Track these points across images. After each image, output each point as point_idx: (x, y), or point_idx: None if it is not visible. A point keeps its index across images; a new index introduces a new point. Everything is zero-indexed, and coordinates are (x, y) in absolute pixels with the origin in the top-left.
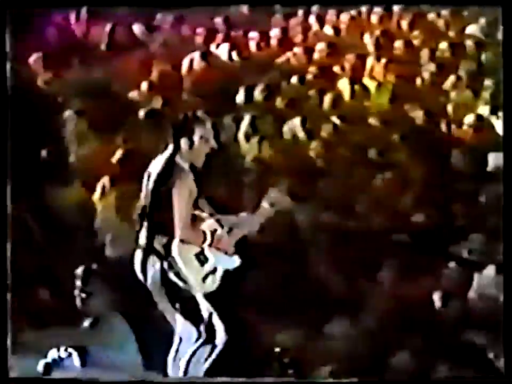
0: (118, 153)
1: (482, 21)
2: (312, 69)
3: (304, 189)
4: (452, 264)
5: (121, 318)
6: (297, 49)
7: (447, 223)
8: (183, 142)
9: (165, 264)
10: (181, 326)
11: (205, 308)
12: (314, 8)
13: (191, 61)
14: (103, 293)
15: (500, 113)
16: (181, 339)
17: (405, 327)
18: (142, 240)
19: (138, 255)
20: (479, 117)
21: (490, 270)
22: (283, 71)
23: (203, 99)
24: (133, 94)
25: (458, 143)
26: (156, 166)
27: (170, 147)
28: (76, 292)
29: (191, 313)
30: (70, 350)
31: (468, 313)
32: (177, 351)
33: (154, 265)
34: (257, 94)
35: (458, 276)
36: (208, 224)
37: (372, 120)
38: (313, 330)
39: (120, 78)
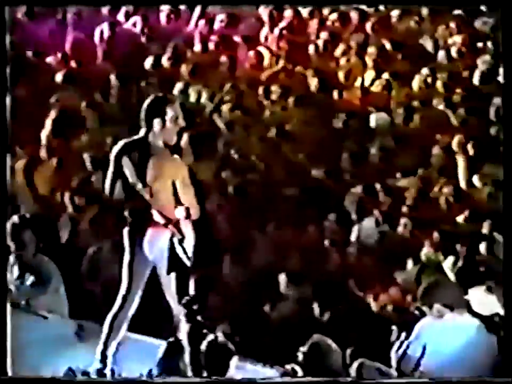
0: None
1: None
2: (214, 37)
3: (205, 148)
4: (333, 217)
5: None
6: (202, 21)
7: (335, 179)
8: (156, 123)
9: (175, 239)
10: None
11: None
12: None
13: (102, 31)
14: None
15: (385, 76)
16: (125, 300)
17: (291, 275)
18: (126, 213)
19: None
20: (366, 82)
21: (369, 222)
22: (188, 40)
23: (115, 65)
24: (50, 59)
25: (348, 105)
26: (128, 147)
27: (143, 129)
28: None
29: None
30: None
31: (348, 261)
32: (120, 309)
33: (157, 238)
34: (164, 61)
35: (340, 227)
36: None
37: (270, 86)
38: (209, 278)
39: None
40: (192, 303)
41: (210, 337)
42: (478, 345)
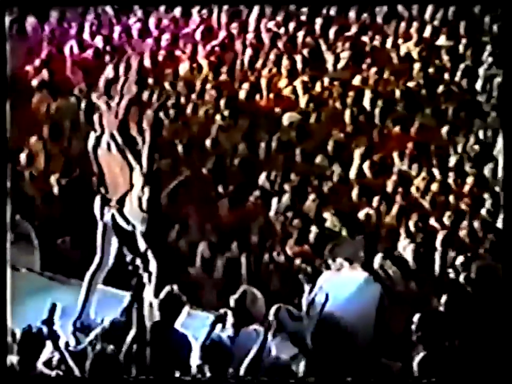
0: None
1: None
2: (162, 52)
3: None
4: (257, 193)
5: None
6: (150, 40)
7: (253, 162)
8: (96, 117)
9: (114, 212)
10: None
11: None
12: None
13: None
14: None
15: (297, 83)
16: (101, 262)
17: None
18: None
19: (98, 199)
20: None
21: (286, 198)
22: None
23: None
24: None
25: (267, 107)
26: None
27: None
28: None
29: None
30: None
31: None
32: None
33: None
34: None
35: (262, 201)
36: None
37: (210, 92)
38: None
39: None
40: (135, 260)
41: (167, 288)
42: (366, 292)
